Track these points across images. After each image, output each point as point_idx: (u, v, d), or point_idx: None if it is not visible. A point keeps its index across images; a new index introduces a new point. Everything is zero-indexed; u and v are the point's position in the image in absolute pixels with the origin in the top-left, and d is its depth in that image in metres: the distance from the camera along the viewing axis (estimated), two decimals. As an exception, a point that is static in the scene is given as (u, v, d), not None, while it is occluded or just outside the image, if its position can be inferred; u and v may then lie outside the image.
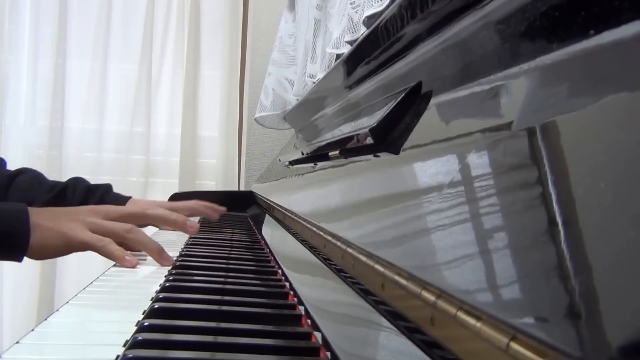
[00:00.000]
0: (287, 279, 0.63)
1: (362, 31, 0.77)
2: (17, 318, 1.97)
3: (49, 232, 0.73)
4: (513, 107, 0.30)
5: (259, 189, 1.45)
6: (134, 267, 0.73)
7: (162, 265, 0.75)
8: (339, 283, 0.47)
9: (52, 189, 1.12)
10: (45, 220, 0.74)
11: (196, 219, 1.19)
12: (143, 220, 0.89)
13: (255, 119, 1.72)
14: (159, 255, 0.76)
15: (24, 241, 0.71)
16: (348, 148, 0.60)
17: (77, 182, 1.15)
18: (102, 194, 1.13)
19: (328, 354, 0.40)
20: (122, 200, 1.13)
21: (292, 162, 1.05)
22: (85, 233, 0.74)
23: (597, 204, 0.20)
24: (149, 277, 0.70)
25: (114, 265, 0.74)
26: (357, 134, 0.54)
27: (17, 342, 0.41)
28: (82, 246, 0.74)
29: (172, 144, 2.05)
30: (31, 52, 1.95)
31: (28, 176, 1.14)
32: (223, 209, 1.23)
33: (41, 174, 1.17)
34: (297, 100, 1.30)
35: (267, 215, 1.13)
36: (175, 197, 1.51)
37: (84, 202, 1.11)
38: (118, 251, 0.73)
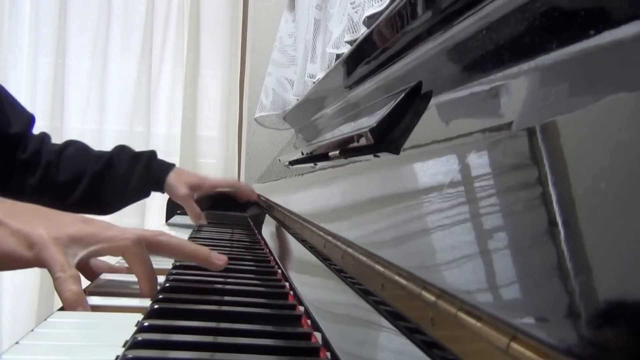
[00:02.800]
0: (287, 279, 0.63)
1: (362, 31, 0.77)
2: (16, 318, 1.97)
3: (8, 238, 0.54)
4: (513, 107, 0.30)
5: (259, 189, 1.45)
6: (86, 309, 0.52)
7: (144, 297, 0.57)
8: (339, 283, 0.47)
9: (99, 159, 1.15)
10: (17, 222, 0.55)
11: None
12: (153, 247, 0.60)
13: (255, 119, 1.72)
14: (149, 290, 0.57)
15: None
16: (348, 148, 0.60)
17: (121, 151, 1.18)
18: (147, 161, 1.16)
19: (328, 354, 0.40)
20: (167, 167, 1.17)
21: (292, 162, 1.05)
22: (53, 249, 0.53)
23: (597, 204, 0.20)
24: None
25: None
26: (357, 134, 0.54)
27: (17, 343, 0.41)
28: (40, 264, 0.54)
29: (172, 144, 2.05)
30: (31, 51, 1.95)
31: (74, 148, 1.16)
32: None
33: (86, 145, 1.19)
34: (297, 100, 1.30)
35: (267, 215, 1.13)
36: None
37: (130, 169, 1.15)
38: (70, 293, 0.52)
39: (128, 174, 1.16)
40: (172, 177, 1.17)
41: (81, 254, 0.56)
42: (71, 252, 0.55)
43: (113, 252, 0.58)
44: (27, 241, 0.54)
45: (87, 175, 1.13)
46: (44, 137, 1.17)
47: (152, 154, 1.19)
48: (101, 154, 1.17)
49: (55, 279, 0.53)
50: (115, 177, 1.15)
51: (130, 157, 1.17)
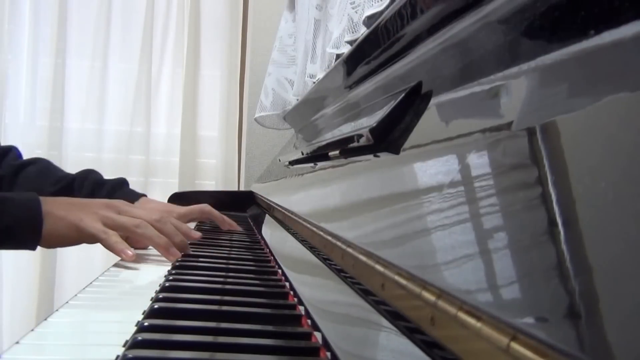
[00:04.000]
0: (287, 279, 0.63)
1: (362, 31, 0.77)
2: (16, 318, 1.97)
3: (60, 222, 0.75)
4: (513, 107, 0.30)
5: (258, 189, 1.45)
6: (131, 260, 0.74)
7: (170, 261, 0.75)
8: (339, 283, 0.47)
9: (58, 182, 1.08)
10: (57, 209, 0.75)
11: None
12: (158, 224, 0.80)
13: (255, 119, 1.72)
14: (166, 250, 0.77)
15: (37, 230, 0.73)
16: (348, 148, 0.60)
17: (87, 175, 1.11)
18: (110, 190, 1.08)
19: (328, 354, 0.40)
20: (133, 197, 1.07)
21: (292, 162, 1.05)
22: (94, 225, 0.75)
23: (597, 204, 0.20)
24: (150, 278, 0.70)
25: (113, 266, 0.74)
26: (357, 134, 0.54)
27: (17, 342, 0.41)
28: (90, 238, 0.75)
29: (172, 144, 2.05)
30: (31, 51, 1.95)
31: (37, 167, 1.10)
32: (236, 226, 1.12)
33: (51, 165, 1.13)
34: (297, 100, 1.30)
35: (267, 215, 1.13)
36: (174, 197, 1.51)
37: (90, 197, 1.05)
38: (118, 244, 0.74)
39: None
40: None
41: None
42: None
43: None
44: (72, 225, 0.75)
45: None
46: (10, 150, 1.11)
47: (118, 182, 1.11)
48: (63, 177, 1.10)
49: (101, 241, 0.75)
50: None
51: (93, 183, 1.09)
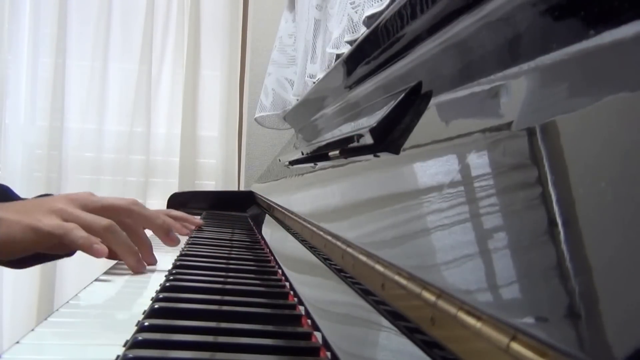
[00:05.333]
0: (287, 279, 0.63)
1: (362, 31, 0.77)
2: (17, 318, 1.97)
3: (16, 226, 0.64)
4: (513, 107, 0.30)
5: (259, 189, 1.45)
6: (103, 256, 0.65)
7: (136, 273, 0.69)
8: (339, 283, 0.47)
9: None
10: (12, 214, 0.66)
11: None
12: (127, 214, 0.73)
13: (255, 119, 1.72)
14: (136, 262, 0.69)
15: None
16: (348, 148, 0.60)
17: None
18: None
19: (328, 354, 0.40)
20: None
21: (292, 162, 1.05)
22: (50, 222, 0.65)
23: (597, 204, 0.20)
24: (151, 277, 0.70)
25: (113, 266, 0.74)
26: (357, 134, 0.54)
27: (17, 342, 0.41)
28: (48, 238, 0.65)
29: (172, 144, 2.05)
30: (31, 52, 1.95)
31: None
32: (199, 222, 1.09)
33: None
34: (297, 100, 1.30)
35: (267, 215, 1.13)
36: (174, 197, 1.51)
37: None
38: (83, 239, 0.64)
39: None
40: None
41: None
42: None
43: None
44: (27, 228, 0.64)
45: None
46: None
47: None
48: None
49: (62, 237, 0.64)
50: None
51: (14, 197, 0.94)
